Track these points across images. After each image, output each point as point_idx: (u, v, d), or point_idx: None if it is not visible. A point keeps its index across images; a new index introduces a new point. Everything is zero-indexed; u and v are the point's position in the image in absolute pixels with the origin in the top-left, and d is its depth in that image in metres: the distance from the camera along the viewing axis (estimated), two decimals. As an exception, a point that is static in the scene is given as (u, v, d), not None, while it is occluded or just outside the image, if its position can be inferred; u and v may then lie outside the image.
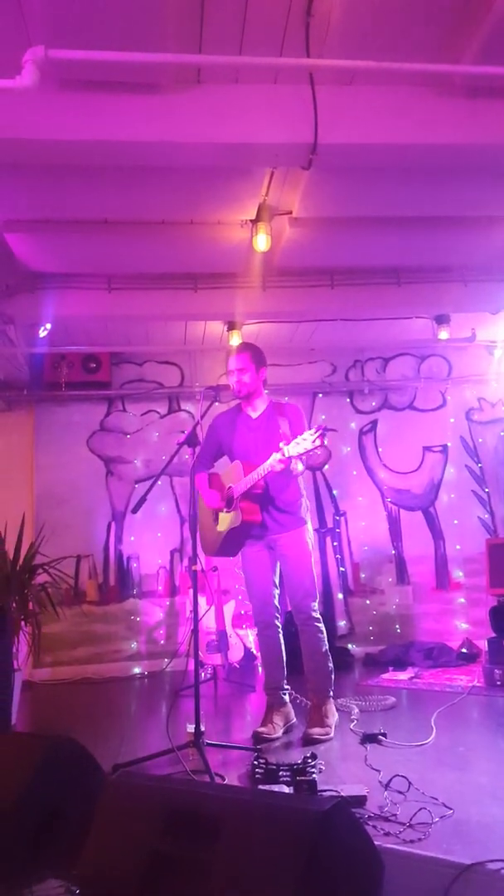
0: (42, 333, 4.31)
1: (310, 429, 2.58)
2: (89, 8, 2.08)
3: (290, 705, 3.04)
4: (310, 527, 3.03)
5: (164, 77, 2.42)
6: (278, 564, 3.01)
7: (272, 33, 2.32)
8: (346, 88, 2.54)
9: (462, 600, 5.13)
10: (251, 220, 3.40)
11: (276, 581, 3.02)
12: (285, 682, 3.04)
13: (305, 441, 2.52)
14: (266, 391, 3.10)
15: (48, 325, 4.24)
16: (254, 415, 3.02)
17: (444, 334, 4.61)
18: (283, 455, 2.58)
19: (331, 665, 2.98)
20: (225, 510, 2.91)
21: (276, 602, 3.03)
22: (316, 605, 2.97)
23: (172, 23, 2.17)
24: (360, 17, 2.27)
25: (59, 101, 2.41)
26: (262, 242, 3.35)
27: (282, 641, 3.04)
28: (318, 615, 2.97)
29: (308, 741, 2.75)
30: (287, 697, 3.04)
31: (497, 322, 4.74)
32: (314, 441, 2.49)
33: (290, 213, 3.39)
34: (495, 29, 2.22)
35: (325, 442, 2.52)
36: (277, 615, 3.04)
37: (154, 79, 2.41)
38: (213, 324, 4.60)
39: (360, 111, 2.54)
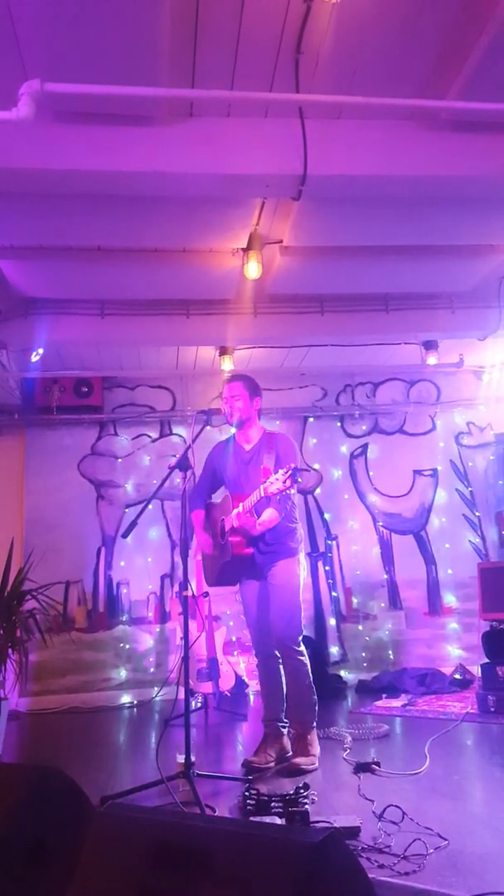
0: (34, 358, 4.33)
1: (293, 462, 2.62)
2: (85, 42, 2.14)
3: (286, 737, 2.98)
4: (302, 558, 3.00)
5: (158, 110, 2.48)
6: None
7: (263, 68, 2.40)
8: (334, 122, 2.62)
9: (455, 625, 5.10)
10: (242, 249, 3.47)
11: None
12: (284, 714, 2.98)
13: (277, 481, 2.55)
14: (260, 420, 3.10)
15: (41, 350, 4.26)
16: (247, 447, 3.02)
17: (432, 360, 4.67)
18: (260, 494, 2.63)
19: (314, 696, 2.93)
20: (219, 546, 2.91)
21: None
22: (300, 638, 2.92)
23: (166, 57, 2.24)
24: (348, 54, 2.36)
25: (55, 133, 2.47)
26: (253, 270, 3.41)
27: (282, 672, 2.98)
28: (302, 648, 2.92)
29: (293, 771, 2.70)
30: (285, 730, 2.98)
31: (485, 348, 4.82)
32: (284, 481, 2.52)
33: (281, 241, 3.46)
34: (479, 66, 2.31)
35: (299, 479, 2.55)
36: None
37: (148, 111, 2.48)
38: (205, 349, 4.64)
39: (349, 144, 2.61)
